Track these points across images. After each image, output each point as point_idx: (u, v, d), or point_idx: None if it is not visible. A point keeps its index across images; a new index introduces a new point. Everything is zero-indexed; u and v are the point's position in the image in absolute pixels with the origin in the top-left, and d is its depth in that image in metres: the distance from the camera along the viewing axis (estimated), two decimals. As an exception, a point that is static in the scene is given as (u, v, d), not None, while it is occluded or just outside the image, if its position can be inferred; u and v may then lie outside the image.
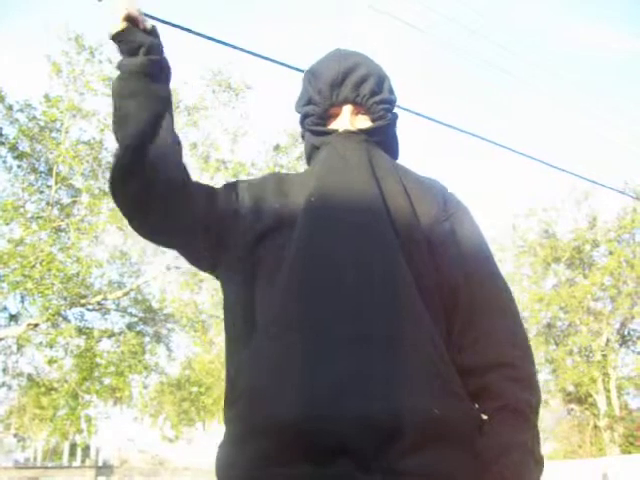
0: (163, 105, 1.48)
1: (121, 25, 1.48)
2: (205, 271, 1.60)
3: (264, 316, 1.37)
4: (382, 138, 1.61)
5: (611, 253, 22.34)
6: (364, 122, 1.60)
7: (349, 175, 1.50)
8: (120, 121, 1.45)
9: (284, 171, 14.40)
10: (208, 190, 1.53)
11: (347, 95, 1.57)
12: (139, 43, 1.47)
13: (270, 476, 1.22)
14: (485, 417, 1.36)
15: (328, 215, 1.44)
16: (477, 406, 1.38)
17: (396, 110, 1.67)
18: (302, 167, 14.47)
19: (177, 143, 1.49)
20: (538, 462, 1.34)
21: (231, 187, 1.56)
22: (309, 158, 1.68)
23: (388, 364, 1.27)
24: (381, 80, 1.61)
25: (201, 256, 1.56)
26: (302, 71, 1.60)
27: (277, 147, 15.38)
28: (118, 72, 1.49)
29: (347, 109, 1.59)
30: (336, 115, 1.60)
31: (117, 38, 1.49)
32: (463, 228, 1.52)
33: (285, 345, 1.30)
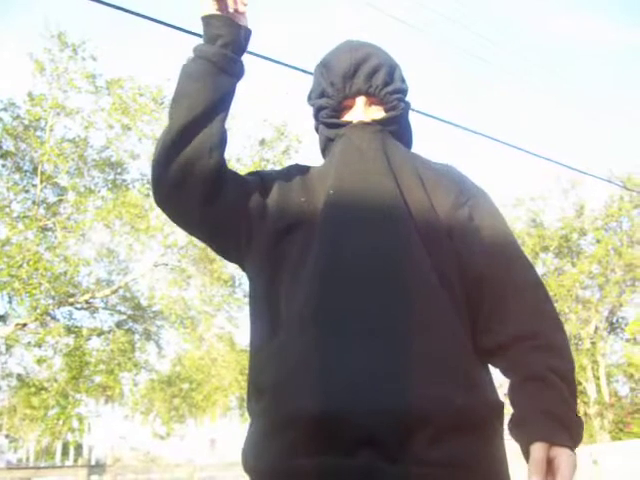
0: (221, 99, 1.50)
1: (210, 8, 1.49)
2: (234, 263, 1.61)
3: (288, 312, 1.38)
4: (396, 127, 1.62)
5: (599, 241, 22.45)
6: (378, 113, 1.60)
7: (366, 167, 1.50)
8: (177, 101, 1.48)
9: (270, 166, 14.37)
10: (243, 184, 1.53)
11: (360, 87, 1.58)
12: (219, 33, 1.49)
13: (297, 467, 1.24)
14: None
15: (347, 211, 1.45)
16: (509, 382, 1.37)
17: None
18: (287, 161, 14.43)
19: (224, 135, 1.50)
20: (570, 427, 1.27)
21: (260, 180, 1.56)
22: (324, 150, 1.69)
23: (405, 357, 1.27)
24: (392, 70, 1.62)
25: (230, 249, 1.57)
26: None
27: (262, 142, 15.33)
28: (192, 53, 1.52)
29: (360, 100, 1.59)
30: (350, 107, 1.61)
31: (205, 20, 1.51)
32: (481, 212, 1.52)
33: (306, 341, 1.32)
